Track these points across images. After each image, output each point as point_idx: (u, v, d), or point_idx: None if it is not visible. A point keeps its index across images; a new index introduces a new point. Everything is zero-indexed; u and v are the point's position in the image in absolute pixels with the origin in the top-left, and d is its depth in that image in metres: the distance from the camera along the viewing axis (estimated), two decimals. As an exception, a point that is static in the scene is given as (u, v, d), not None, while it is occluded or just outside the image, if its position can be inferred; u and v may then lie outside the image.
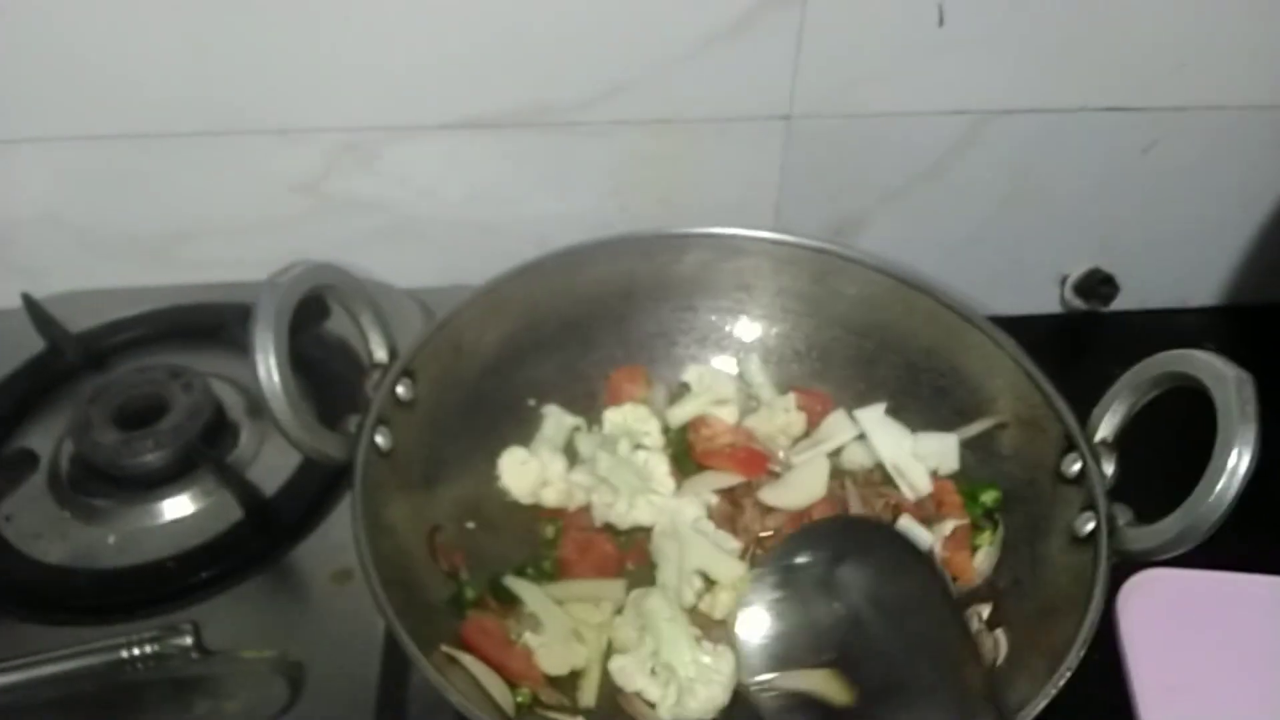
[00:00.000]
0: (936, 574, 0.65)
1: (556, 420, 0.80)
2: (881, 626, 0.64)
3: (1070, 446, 0.67)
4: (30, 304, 0.88)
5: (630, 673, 0.65)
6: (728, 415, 0.80)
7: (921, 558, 0.66)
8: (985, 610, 0.68)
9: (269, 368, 0.59)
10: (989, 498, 0.74)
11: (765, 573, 0.68)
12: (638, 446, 0.77)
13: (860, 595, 0.65)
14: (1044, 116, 0.91)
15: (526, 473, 0.75)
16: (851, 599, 0.65)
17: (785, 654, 0.64)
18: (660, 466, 0.75)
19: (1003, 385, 0.73)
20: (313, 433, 0.63)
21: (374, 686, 0.66)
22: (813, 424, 0.80)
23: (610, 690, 0.66)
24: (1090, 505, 0.64)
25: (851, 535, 0.69)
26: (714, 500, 0.76)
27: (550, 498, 0.76)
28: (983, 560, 0.72)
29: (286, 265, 0.62)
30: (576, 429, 0.80)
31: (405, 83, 0.85)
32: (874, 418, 0.79)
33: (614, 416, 0.79)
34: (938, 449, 0.77)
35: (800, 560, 0.67)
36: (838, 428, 0.79)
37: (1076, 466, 0.66)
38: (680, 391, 0.83)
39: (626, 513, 0.73)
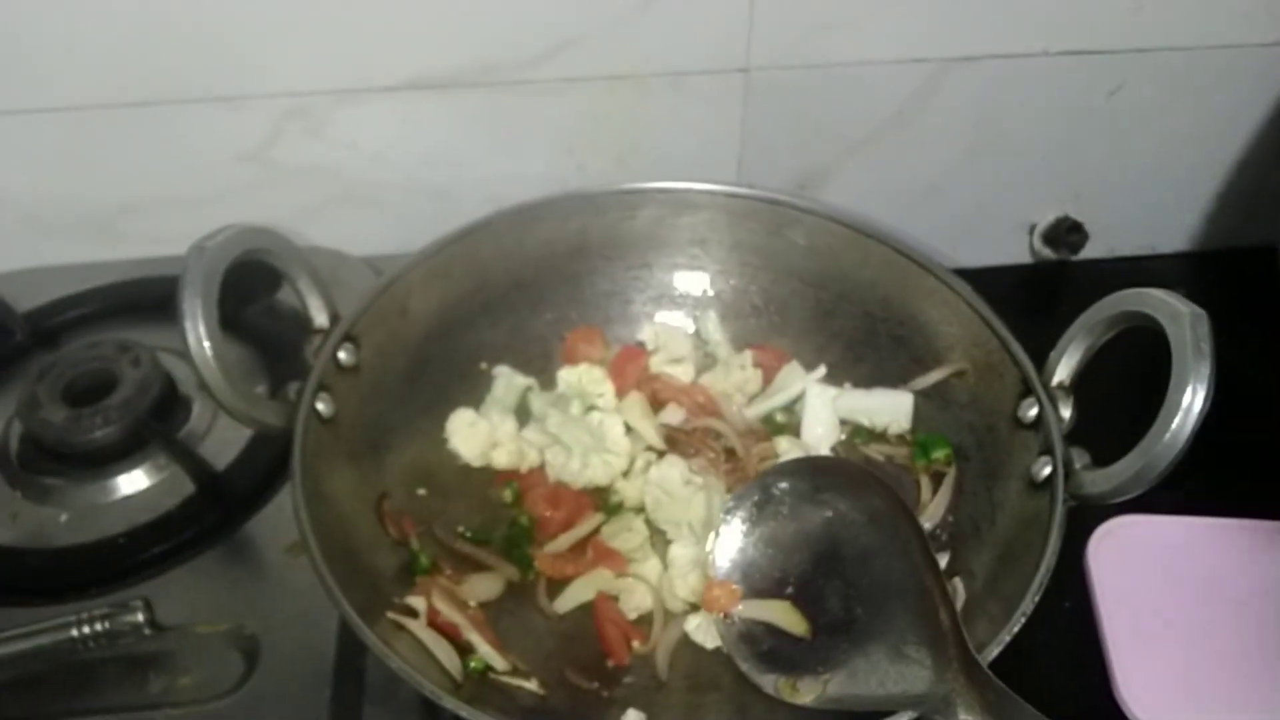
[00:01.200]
0: (909, 518, 0.64)
1: (507, 381, 0.78)
2: (848, 564, 0.63)
3: (1027, 391, 0.66)
4: (-26, 283, 0.87)
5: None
6: (683, 373, 0.79)
7: (895, 501, 0.64)
8: (944, 559, 0.68)
9: (199, 334, 0.58)
10: (940, 454, 0.73)
11: (737, 504, 0.68)
12: (590, 408, 0.76)
13: (829, 532, 0.64)
14: (1005, 62, 0.89)
15: (476, 434, 0.74)
16: (819, 534, 0.65)
17: (749, 583, 0.65)
18: (615, 427, 0.74)
19: (960, 332, 0.72)
20: (248, 400, 0.62)
21: (330, 658, 0.65)
22: (768, 380, 0.79)
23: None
24: (1047, 450, 0.63)
25: (827, 474, 0.68)
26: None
27: (501, 459, 0.75)
28: (936, 506, 0.71)
29: (216, 230, 0.61)
30: (528, 389, 0.79)
31: (350, 45, 0.83)
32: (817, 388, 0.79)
33: (568, 377, 0.77)
34: (890, 407, 0.76)
35: (773, 493, 0.67)
36: (792, 379, 0.78)
37: (1033, 411, 0.65)
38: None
39: (580, 471, 0.72)
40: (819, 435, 0.77)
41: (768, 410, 0.77)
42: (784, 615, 0.63)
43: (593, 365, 0.77)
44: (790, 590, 0.64)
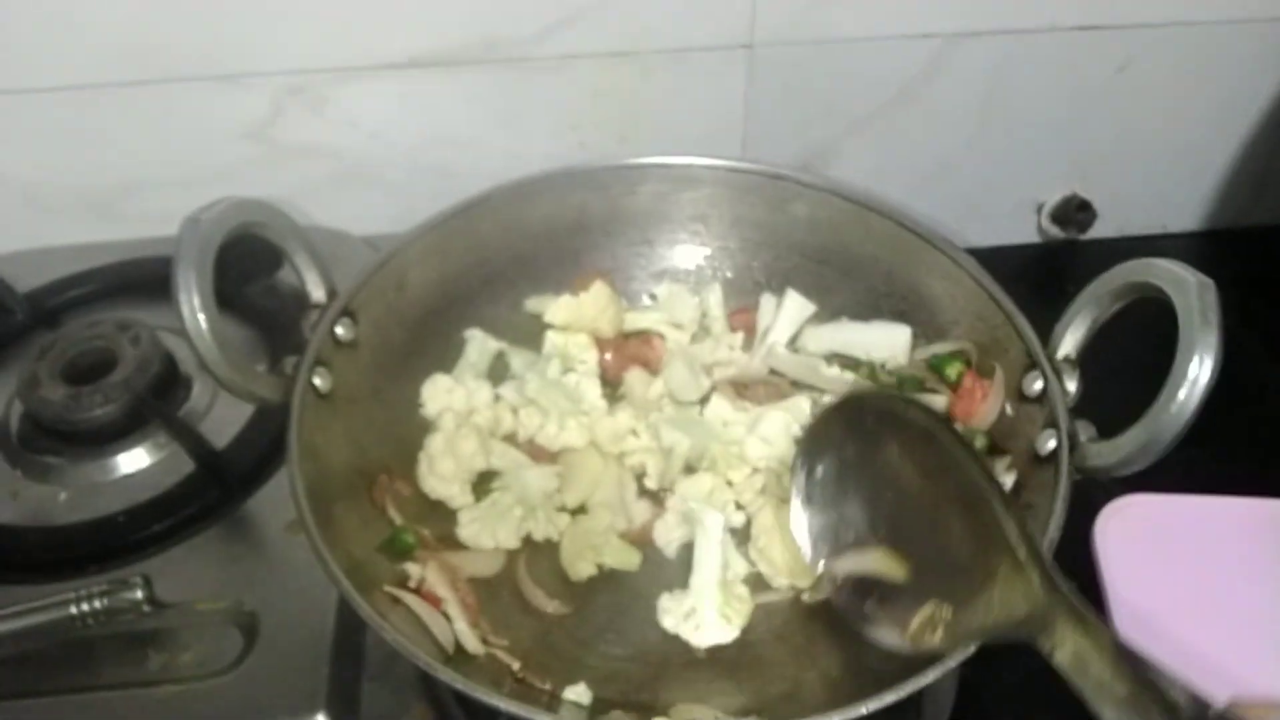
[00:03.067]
0: (955, 434, 0.61)
1: (480, 345, 0.77)
2: (915, 495, 0.61)
3: (1032, 365, 0.65)
4: (-26, 264, 0.87)
5: None
6: (679, 338, 0.78)
7: (939, 419, 0.62)
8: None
9: (193, 306, 0.57)
10: (953, 370, 0.72)
11: (799, 464, 0.64)
12: (568, 370, 0.75)
13: (891, 465, 0.62)
14: (1012, 38, 0.88)
15: (453, 401, 0.73)
16: (884, 470, 0.62)
17: (837, 540, 0.62)
18: (592, 389, 0.74)
19: (964, 306, 0.71)
20: (244, 374, 0.61)
21: (329, 635, 0.65)
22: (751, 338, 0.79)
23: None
24: (1052, 423, 0.62)
25: (869, 408, 0.65)
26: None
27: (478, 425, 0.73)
28: (990, 408, 0.69)
29: (210, 202, 0.60)
30: (500, 353, 0.78)
31: (351, 22, 0.82)
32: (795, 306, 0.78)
33: (555, 338, 0.77)
34: (887, 340, 0.75)
35: (828, 441, 0.64)
36: (767, 312, 0.79)
37: (1038, 385, 0.64)
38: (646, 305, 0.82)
39: (556, 435, 0.72)
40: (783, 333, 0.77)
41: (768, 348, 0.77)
42: (881, 561, 0.60)
43: (579, 334, 0.77)
44: (882, 533, 0.61)
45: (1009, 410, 0.67)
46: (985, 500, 0.58)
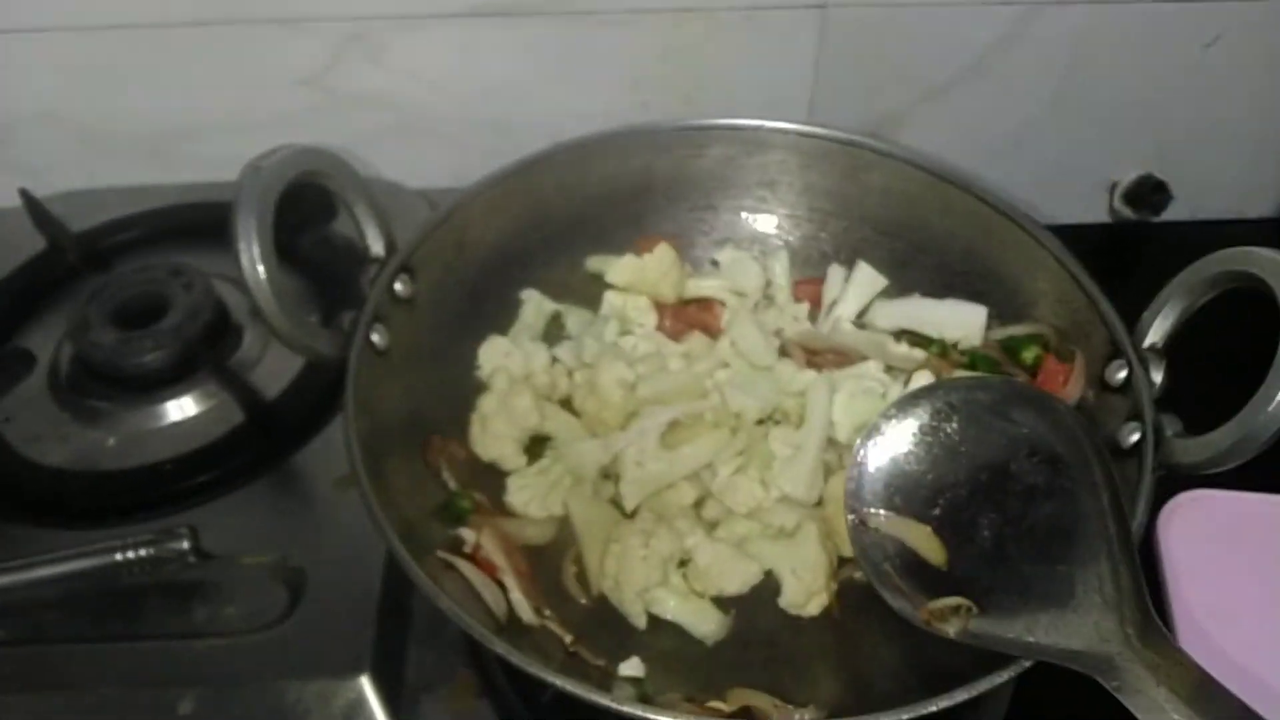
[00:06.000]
0: (1104, 460, 0.57)
1: (536, 306, 0.75)
2: (1012, 498, 0.58)
3: (1116, 353, 0.62)
4: (30, 202, 0.86)
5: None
6: (741, 306, 0.76)
7: (1093, 440, 0.58)
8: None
9: (253, 255, 0.56)
10: (1030, 354, 0.69)
11: (903, 408, 0.62)
12: (625, 333, 0.73)
13: (1001, 461, 0.59)
14: (1098, 8, 0.85)
15: (510, 364, 0.71)
16: (988, 461, 0.59)
17: (891, 496, 0.60)
18: (649, 352, 0.72)
19: (1045, 288, 0.68)
20: (302, 327, 0.60)
21: (375, 594, 0.64)
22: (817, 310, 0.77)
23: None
24: (1136, 415, 0.59)
25: (1017, 398, 0.61)
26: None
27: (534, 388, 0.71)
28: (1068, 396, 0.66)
29: (271, 149, 0.58)
30: (556, 314, 0.76)
31: (414, -33, 0.80)
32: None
33: (614, 299, 0.75)
34: (962, 319, 0.72)
35: (947, 406, 0.61)
36: (834, 284, 0.76)
37: (1122, 374, 0.61)
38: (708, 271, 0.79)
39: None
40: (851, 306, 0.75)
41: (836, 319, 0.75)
42: (922, 540, 0.58)
43: (639, 295, 0.75)
44: (936, 513, 0.59)
45: (1090, 398, 0.64)
46: (1100, 530, 0.55)
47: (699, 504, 0.68)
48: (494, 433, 0.67)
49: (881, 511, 0.59)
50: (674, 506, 0.67)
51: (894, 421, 0.61)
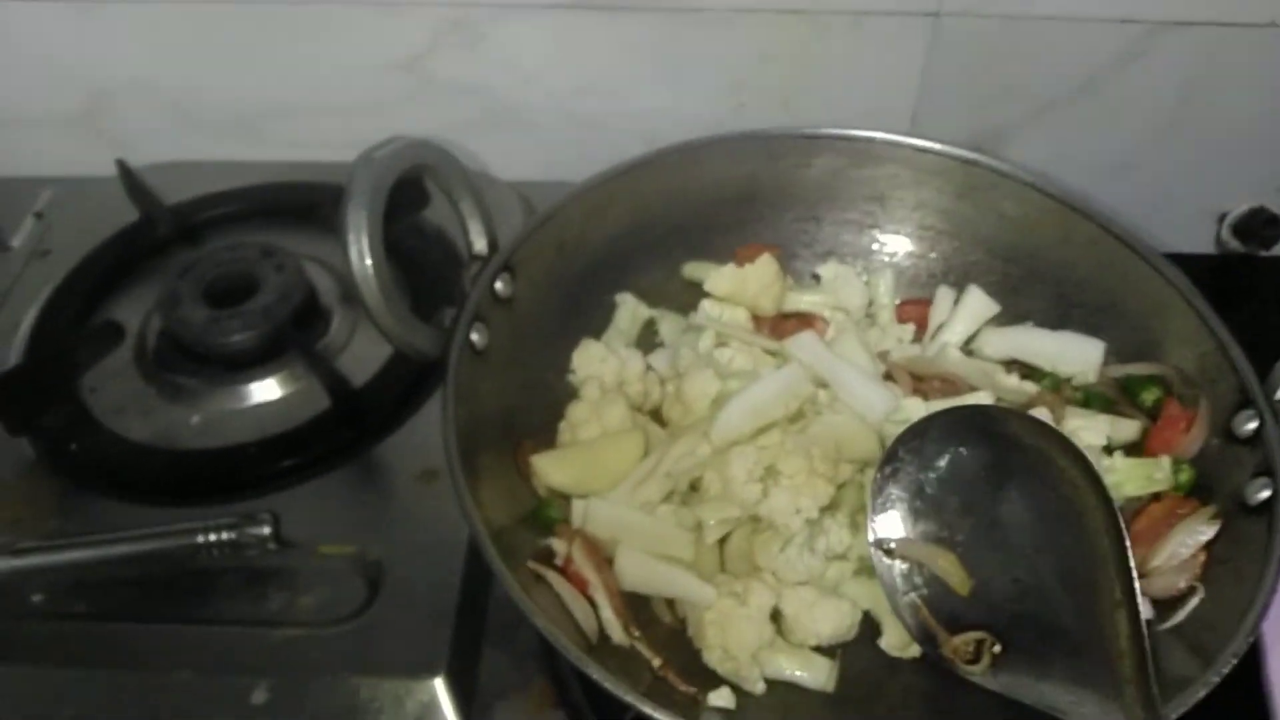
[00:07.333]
0: (1105, 499, 0.55)
1: (631, 311, 0.73)
2: (1021, 537, 0.57)
3: (1245, 402, 0.59)
4: (126, 173, 0.86)
5: None
6: (843, 323, 0.73)
7: (1092, 478, 0.56)
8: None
9: (361, 249, 0.55)
10: (1150, 396, 0.66)
11: (928, 433, 0.60)
12: (721, 345, 0.71)
13: (1008, 495, 0.57)
14: (1224, 31, 0.82)
15: (605, 371, 0.69)
16: (998, 494, 0.58)
17: (916, 524, 0.59)
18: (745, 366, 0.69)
19: (1168, 327, 0.66)
20: (405, 323, 0.59)
21: (455, 592, 0.63)
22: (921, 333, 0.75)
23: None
24: (1267, 470, 0.57)
25: (1014, 429, 0.60)
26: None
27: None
28: (1192, 441, 0.63)
29: (384, 140, 0.57)
30: (650, 320, 0.74)
31: (521, -45, 0.79)
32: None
33: (711, 309, 0.73)
34: (1078, 353, 0.69)
35: (961, 439, 0.59)
36: (942, 306, 0.74)
37: (1252, 425, 0.59)
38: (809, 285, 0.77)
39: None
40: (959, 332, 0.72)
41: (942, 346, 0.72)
42: (948, 567, 0.57)
43: (737, 307, 0.73)
44: (961, 539, 0.57)
45: (1213, 448, 0.61)
46: (1097, 580, 0.54)
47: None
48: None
49: (908, 537, 0.58)
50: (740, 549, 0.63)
51: (916, 446, 0.59)
